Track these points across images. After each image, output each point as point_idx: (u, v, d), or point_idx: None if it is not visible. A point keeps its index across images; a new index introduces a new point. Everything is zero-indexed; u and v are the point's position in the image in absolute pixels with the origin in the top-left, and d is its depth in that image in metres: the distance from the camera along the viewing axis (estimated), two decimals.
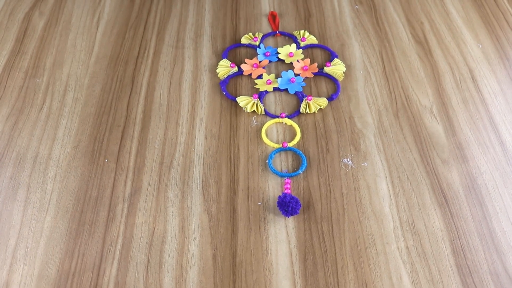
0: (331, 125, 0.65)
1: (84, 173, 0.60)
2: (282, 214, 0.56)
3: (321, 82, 0.71)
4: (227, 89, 0.70)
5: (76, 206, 0.57)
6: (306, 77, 0.72)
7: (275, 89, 0.70)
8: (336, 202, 0.57)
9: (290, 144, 0.63)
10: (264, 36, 0.78)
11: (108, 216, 0.56)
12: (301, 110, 0.67)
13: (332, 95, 0.69)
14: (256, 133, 0.65)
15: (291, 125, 0.66)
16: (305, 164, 0.61)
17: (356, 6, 0.83)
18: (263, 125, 0.65)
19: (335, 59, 0.73)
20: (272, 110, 0.68)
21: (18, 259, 0.53)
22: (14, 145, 0.63)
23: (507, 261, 0.52)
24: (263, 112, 0.67)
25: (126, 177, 0.60)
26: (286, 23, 0.81)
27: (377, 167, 0.61)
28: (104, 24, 0.80)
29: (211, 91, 0.70)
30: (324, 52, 0.76)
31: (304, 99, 0.68)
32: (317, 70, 0.72)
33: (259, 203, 0.58)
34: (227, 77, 0.71)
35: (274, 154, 0.62)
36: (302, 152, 0.62)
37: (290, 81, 0.70)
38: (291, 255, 0.53)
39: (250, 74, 0.72)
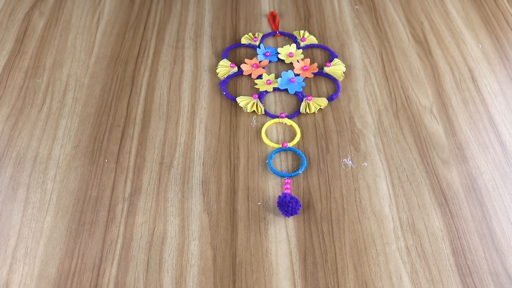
0: (331, 125, 0.65)
1: (84, 173, 0.60)
2: (282, 214, 0.56)
3: (321, 82, 0.71)
4: (227, 89, 0.70)
5: (76, 206, 0.57)
6: (306, 77, 0.72)
7: (275, 89, 0.70)
8: (336, 202, 0.57)
9: (290, 144, 0.63)
10: (264, 36, 0.78)
11: (108, 216, 0.56)
12: (301, 110, 0.67)
13: (332, 95, 0.69)
14: (256, 133, 0.65)
15: (291, 125, 0.66)
16: (305, 164, 0.61)
17: (356, 6, 0.83)
18: (263, 125, 0.65)
19: (335, 59, 0.73)
20: (272, 110, 0.68)
21: (18, 259, 0.53)
22: (14, 145, 0.63)
23: (507, 261, 0.52)
24: (263, 112, 0.67)
25: (126, 177, 0.60)
26: (286, 23, 0.81)
27: (377, 167, 0.61)
28: (104, 24, 0.80)
29: (211, 91, 0.70)
30: (324, 52, 0.76)
31: (304, 99, 0.68)
32: (317, 70, 0.72)
33: (259, 203, 0.58)
34: (227, 77, 0.71)
35: (274, 154, 0.62)
36: (302, 152, 0.62)
37: (290, 81, 0.70)
38: (291, 255, 0.53)
39: (250, 74, 0.72)
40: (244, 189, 0.59)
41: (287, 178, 0.60)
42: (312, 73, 0.72)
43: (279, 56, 0.74)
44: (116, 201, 0.58)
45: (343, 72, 0.72)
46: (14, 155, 0.62)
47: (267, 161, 0.61)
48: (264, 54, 0.74)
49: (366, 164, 0.61)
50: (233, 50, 0.76)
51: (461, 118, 0.66)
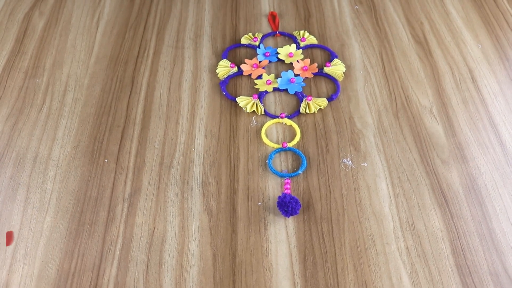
0: (331, 125, 0.65)
1: (84, 173, 0.60)
2: (282, 214, 0.56)
3: (321, 82, 0.71)
4: (227, 89, 0.70)
5: (76, 206, 0.57)
6: (306, 77, 0.72)
7: (275, 89, 0.70)
8: (336, 202, 0.57)
9: (290, 144, 0.63)
10: (264, 36, 0.78)
11: (108, 216, 0.56)
12: (301, 110, 0.67)
13: (332, 95, 0.69)
14: (256, 133, 0.65)
15: (291, 125, 0.66)
16: (305, 164, 0.61)
17: (356, 6, 0.83)
18: (263, 125, 0.65)
19: (335, 59, 0.73)
20: (272, 110, 0.68)
21: (18, 260, 0.53)
22: (14, 145, 0.63)
23: (507, 261, 0.52)
24: (263, 112, 0.67)
25: (126, 177, 0.60)
26: (286, 23, 0.81)
27: (377, 167, 0.61)
28: (104, 24, 0.80)
29: (211, 91, 0.70)
30: (324, 52, 0.76)
31: (304, 99, 0.68)
32: (317, 70, 0.72)
33: (259, 203, 0.58)
34: (227, 77, 0.71)
35: (274, 154, 0.62)
36: (302, 152, 0.62)
37: (290, 81, 0.70)
38: (291, 255, 0.53)
39: (250, 74, 0.72)
40: (244, 189, 0.59)
41: (287, 178, 0.60)
42: (312, 73, 0.72)
43: (279, 56, 0.74)
44: (116, 201, 0.58)
45: (343, 72, 0.72)
46: (14, 155, 0.62)
47: (267, 161, 0.61)
48: (264, 54, 0.74)
49: (366, 164, 0.61)
50: (233, 50, 0.76)
51: (461, 118, 0.66)
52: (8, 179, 0.60)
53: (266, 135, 0.65)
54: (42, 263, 0.53)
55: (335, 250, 0.53)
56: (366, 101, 0.68)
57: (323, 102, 0.67)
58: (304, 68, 0.72)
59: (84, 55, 0.75)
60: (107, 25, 0.80)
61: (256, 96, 0.68)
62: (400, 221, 0.56)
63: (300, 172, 0.60)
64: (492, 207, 0.57)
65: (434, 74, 0.72)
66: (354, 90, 0.70)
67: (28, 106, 0.68)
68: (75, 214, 0.57)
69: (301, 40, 0.77)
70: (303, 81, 0.71)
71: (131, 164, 0.61)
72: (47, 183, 0.59)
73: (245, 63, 0.73)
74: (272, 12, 0.82)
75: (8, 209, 0.57)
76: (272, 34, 0.79)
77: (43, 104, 0.68)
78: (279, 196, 0.56)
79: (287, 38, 0.78)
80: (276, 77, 0.72)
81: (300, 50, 0.75)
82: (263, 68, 0.73)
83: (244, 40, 0.77)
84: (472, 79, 0.71)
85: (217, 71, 0.72)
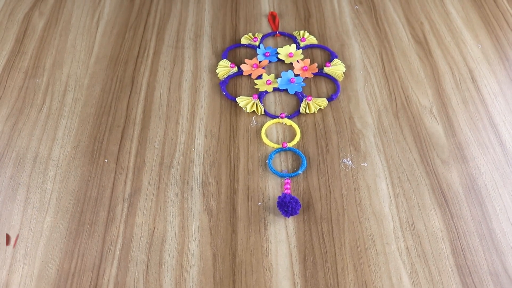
0: (331, 125, 0.65)
1: (84, 173, 0.60)
2: (282, 214, 0.56)
3: (321, 82, 0.71)
4: (227, 89, 0.70)
5: (76, 206, 0.57)
6: (306, 78, 0.72)
7: (275, 89, 0.70)
8: (336, 202, 0.57)
9: (290, 145, 0.63)
10: (264, 36, 0.78)
11: (108, 216, 0.56)
12: (301, 111, 0.67)
13: (332, 95, 0.69)
14: (256, 134, 0.65)
15: (291, 126, 0.66)
16: (305, 165, 0.61)
17: (356, 7, 0.83)
18: (263, 125, 0.65)
19: (335, 59, 0.73)
20: (272, 111, 0.68)
21: (18, 259, 0.53)
22: (14, 145, 0.63)
23: (506, 261, 0.52)
24: (263, 113, 0.67)
25: (126, 177, 0.60)
26: (286, 23, 0.81)
27: (377, 167, 0.61)
28: (104, 24, 0.80)
29: (211, 91, 0.70)
30: (324, 52, 0.76)
31: (304, 99, 0.68)
32: (317, 70, 0.72)
33: (259, 204, 0.58)
34: (227, 77, 0.71)
35: (274, 154, 0.62)
36: (302, 152, 0.62)
37: (290, 81, 0.70)
38: (291, 255, 0.53)
39: (250, 74, 0.72)
40: (244, 189, 0.59)
41: (287, 178, 0.60)
42: (312, 73, 0.72)
43: (279, 56, 0.74)
44: (116, 201, 0.58)
45: (343, 72, 0.72)
46: (14, 155, 0.62)
47: (267, 161, 0.61)
48: (264, 54, 0.74)
49: (366, 164, 0.61)
50: (233, 50, 0.76)
51: (461, 118, 0.66)
52: (8, 179, 0.60)
53: (266, 135, 0.65)
54: (42, 263, 0.53)
55: (335, 250, 0.53)
56: (366, 101, 0.68)
57: (323, 102, 0.67)
58: (304, 68, 0.72)
59: (84, 55, 0.75)
60: (107, 25, 0.80)
61: (256, 96, 0.68)
62: (400, 221, 0.56)
63: (300, 172, 0.60)
64: (492, 207, 0.57)
65: (434, 74, 0.72)
66: (354, 90, 0.70)
67: (28, 106, 0.68)
68: (75, 214, 0.57)
69: (301, 40, 0.77)
70: (303, 81, 0.71)
71: (131, 164, 0.61)
72: (47, 183, 0.59)
73: (245, 63, 0.73)
74: (272, 12, 0.82)
75: (8, 209, 0.57)
76: (272, 34, 0.79)
77: (43, 104, 0.68)
78: (279, 196, 0.56)
79: (287, 38, 0.79)
80: (276, 77, 0.72)
81: (300, 50, 0.75)
82: (263, 68, 0.73)
83: (244, 40, 0.77)
84: (472, 79, 0.71)
85: (217, 71, 0.72)
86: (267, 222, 0.56)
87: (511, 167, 0.60)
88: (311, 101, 0.67)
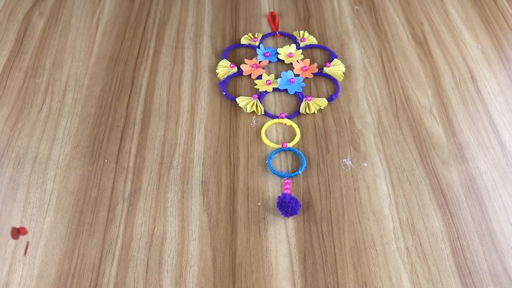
0: (331, 125, 0.65)
1: (83, 173, 0.60)
2: (281, 214, 0.56)
3: (321, 82, 0.71)
4: (227, 90, 0.70)
5: (76, 206, 0.57)
6: (306, 78, 0.72)
7: (274, 89, 0.70)
8: (336, 202, 0.57)
9: (290, 145, 0.63)
10: (264, 37, 0.78)
11: (107, 216, 0.56)
12: (300, 111, 0.67)
13: (331, 95, 0.69)
14: (255, 134, 0.65)
15: (290, 126, 0.66)
16: (305, 165, 0.61)
17: (356, 7, 0.83)
18: (262, 125, 0.65)
19: (335, 59, 0.73)
20: (271, 111, 0.68)
21: (18, 260, 0.53)
22: (14, 146, 0.63)
23: (506, 261, 0.52)
24: (263, 113, 0.67)
25: (126, 177, 0.60)
26: (286, 24, 0.81)
27: (376, 167, 0.61)
28: (103, 24, 0.80)
29: (211, 92, 0.70)
30: (324, 52, 0.76)
31: (304, 99, 0.68)
32: (316, 70, 0.72)
33: (259, 204, 0.58)
34: (226, 77, 0.71)
35: (274, 154, 0.62)
36: (301, 152, 0.62)
37: (289, 81, 0.70)
38: (291, 255, 0.53)
39: (250, 75, 0.72)
40: (244, 189, 0.59)
41: (287, 179, 0.60)
42: (311, 73, 0.72)
43: (279, 56, 0.74)
44: (116, 201, 0.58)
45: (343, 73, 0.72)
46: (13, 155, 0.62)
47: (267, 161, 0.61)
48: (264, 55, 0.74)
49: (366, 164, 0.61)
50: (233, 51, 0.76)
51: (461, 119, 0.66)
52: (8, 179, 0.60)
53: (266, 135, 0.65)
54: (42, 263, 0.53)
55: (335, 250, 0.53)
56: (366, 101, 0.68)
57: (323, 102, 0.67)
58: (304, 68, 0.72)
59: (84, 55, 0.75)
60: (107, 25, 0.80)
61: (256, 96, 0.68)
62: (400, 221, 0.56)
63: (300, 172, 0.60)
64: (492, 207, 0.57)
65: (434, 74, 0.72)
66: (354, 90, 0.70)
67: (28, 106, 0.68)
68: (75, 214, 0.57)
69: (301, 40, 0.77)
70: (303, 81, 0.71)
71: (131, 164, 0.61)
72: (47, 183, 0.59)
73: (245, 63, 0.73)
74: (272, 12, 0.82)
75: (8, 209, 0.57)
76: (272, 34, 0.79)
77: (43, 104, 0.68)
78: (279, 196, 0.56)
79: (287, 38, 0.79)
80: (276, 77, 0.72)
81: (300, 50, 0.75)
82: (263, 68, 0.73)
83: (244, 40, 0.77)
84: (472, 79, 0.71)
85: (217, 71, 0.72)
86: (267, 222, 0.56)
87: (511, 167, 0.60)
88: (311, 101, 0.67)
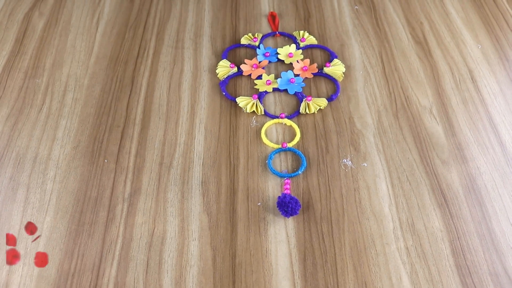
0: (331, 125, 0.65)
1: (83, 173, 0.60)
2: (281, 214, 0.56)
3: (321, 82, 0.71)
4: (227, 90, 0.70)
5: (76, 206, 0.57)
6: (306, 78, 0.72)
7: (274, 89, 0.70)
8: (336, 202, 0.57)
9: (290, 145, 0.63)
10: (264, 37, 0.78)
11: (107, 216, 0.56)
12: (300, 111, 0.67)
13: (331, 95, 0.69)
14: (255, 134, 0.65)
15: (290, 126, 0.66)
16: (305, 165, 0.61)
17: (356, 7, 0.83)
18: (262, 125, 0.65)
19: (335, 59, 0.73)
20: (271, 111, 0.68)
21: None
22: (14, 146, 0.63)
23: (506, 261, 0.52)
24: (263, 113, 0.67)
25: (126, 177, 0.60)
26: (286, 24, 0.81)
27: (376, 167, 0.61)
28: (103, 24, 0.80)
29: (211, 92, 0.70)
30: (324, 52, 0.76)
31: (304, 99, 0.68)
32: (316, 70, 0.72)
33: (259, 204, 0.58)
34: (226, 77, 0.71)
35: (274, 154, 0.62)
36: (301, 152, 0.62)
37: (289, 81, 0.70)
38: (291, 255, 0.53)
39: (250, 75, 0.72)
40: (243, 189, 0.59)
41: (286, 179, 0.60)
42: (311, 73, 0.72)
43: (279, 56, 0.74)
44: (115, 201, 0.58)
45: (343, 73, 0.72)
46: (13, 155, 0.62)
47: (266, 161, 0.61)
48: (264, 55, 0.74)
49: (365, 164, 0.61)
50: (232, 51, 0.76)
51: (461, 119, 0.66)
52: (8, 179, 0.60)
53: (266, 135, 0.65)
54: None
55: (335, 251, 0.53)
56: (366, 101, 0.68)
57: (323, 102, 0.67)
58: (304, 68, 0.72)
59: (84, 55, 0.75)
60: (107, 25, 0.80)
61: (256, 96, 0.68)
62: (400, 222, 0.56)
63: (300, 172, 0.60)
64: (492, 208, 0.57)
65: (434, 74, 0.72)
66: (354, 90, 0.70)
67: (28, 106, 0.68)
68: (75, 214, 0.57)
69: (301, 40, 0.77)
70: (303, 81, 0.71)
71: (131, 164, 0.61)
72: (47, 183, 0.59)
73: (245, 63, 0.73)
74: (272, 12, 0.82)
75: (8, 210, 0.57)
76: (272, 34, 0.79)
77: (43, 104, 0.68)
78: (279, 197, 0.56)
79: (287, 38, 0.79)
80: (276, 77, 0.72)
81: (300, 51, 0.75)
82: (263, 68, 0.73)
83: (244, 41, 0.77)
84: (472, 80, 0.71)
85: (217, 71, 0.72)
86: (267, 222, 0.56)
87: (511, 167, 0.60)
88: (311, 101, 0.67)
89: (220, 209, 0.57)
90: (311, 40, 0.77)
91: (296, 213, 0.55)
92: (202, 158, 0.62)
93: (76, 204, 0.57)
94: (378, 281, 0.51)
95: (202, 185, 0.59)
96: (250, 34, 0.78)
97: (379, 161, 0.61)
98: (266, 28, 0.80)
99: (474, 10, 0.82)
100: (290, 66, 0.74)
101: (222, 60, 0.73)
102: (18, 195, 0.58)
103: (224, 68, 0.72)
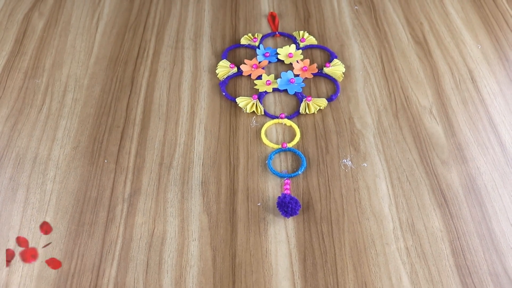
0: (331, 125, 0.65)
1: (83, 173, 0.60)
2: (281, 214, 0.56)
3: (321, 82, 0.71)
4: (227, 90, 0.70)
5: (76, 207, 0.57)
6: (306, 78, 0.72)
7: (274, 89, 0.70)
8: (336, 202, 0.57)
9: (290, 145, 0.63)
10: (264, 37, 0.78)
11: (107, 216, 0.56)
12: (300, 111, 0.67)
13: (331, 95, 0.69)
14: (255, 134, 0.65)
15: (290, 126, 0.66)
16: (305, 165, 0.61)
17: (356, 7, 0.83)
18: (262, 125, 0.65)
19: (335, 59, 0.73)
20: (271, 111, 0.68)
21: (18, 260, 0.53)
22: (14, 146, 0.63)
23: (506, 261, 0.52)
24: (263, 113, 0.67)
25: (126, 177, 0.60)
26: (286, 24, 0.81)
27: (376, 167, 0.61)
28: (103, 24, 0.80)
29: (211, 92, 0.70)
30: (324, 52, 0.76)
31: (304, 99, 0.68)
32: (316, 70, 0.72)
33: (259, 204, 0.58)
34: (226, 77, 0.71)
35: (274, 154, 0.62)
36: (301, 152, 0.62)
37: (289, 81, 0.70)
38: (291, 255, 0.53)
39: (250, 75, 0.72)
40: (243, 189, 0.59)
41: (286, 179, 0.60)
42: (311, 73, 0.72)
43: (279, 56, 0.74)
44: (115, 201, 0.58)
45: (343, 73, 0.72)
46: (13, 155, 0.62)
47: (266, 161, 0.61)
48: (264, 55, 0.74)
49: (365, 164, 0.61)
50: (232, 51, 0.76)
51: (461, 119, 0.66)
52: (7, 179, 0.60)
53: (266, 135, 0.65)
54: (42, 263, 0.53)
55: (335, 251, 0.53)
56: (365, 102, 0.68)
57: (322, 102, 0.67)
58: (303, 68, 0.72)
59: (84, 56, 0.75)
60: (106, 26, 0.80)
61: (256, 96, 0.68)
62: (400, 222, 0.56)
63: (300, 172, 0.60)
64: (492, 208, 0.57)
65: (434, 74, 0.72)
66: (353, 90, 0.70)
67: (28, 107, 0.68)
68: (74, 214, 0.57)
69: (300, 40, 0.77)
70: (302, 82, 0.71)
71: (131, 164, 0.61)
72: (47, 184, 0.59)
73: (245, 64, 0.73)
74: (271, 12, 0.82)
75: (8, 210, 0.57)
76: (272, 34, 0.79)
77: (42, 105, 0.68)
78: (279, 197, 0.56)
79: (286, 38, 0.79)
80: (276, 77, 0.72)
81: (300, 51, 0.75)
82: (263, 68, 0.73)
83: (243, 41, 0.77)
84: (472, 80, 0.71)
85: (216, 71, 0.72)
86: (267, 223, 0.56)
87: (511, 167, 0.60)
88: (310, 101, 0.67)
89: (220, 209, 0.57)
90: (311, 40, 0.77)
91: (296, 213, 0.55)
92: (202, 158, 0.62)
93: (76, 204, 0.57)
94: (378, 281, 0.51)
95: (202, 185, 0.59)
96: (250, 34, 0.78)
97: (379, 161, 0.61)
98: (266, 28, 0.80)
99: (474, 10, 0.82)
100: (290, 66, 0.74)
101: (222, 60, 0.73)
102: (18, 196, 0.58)
103: (224, 68, 0.72)
